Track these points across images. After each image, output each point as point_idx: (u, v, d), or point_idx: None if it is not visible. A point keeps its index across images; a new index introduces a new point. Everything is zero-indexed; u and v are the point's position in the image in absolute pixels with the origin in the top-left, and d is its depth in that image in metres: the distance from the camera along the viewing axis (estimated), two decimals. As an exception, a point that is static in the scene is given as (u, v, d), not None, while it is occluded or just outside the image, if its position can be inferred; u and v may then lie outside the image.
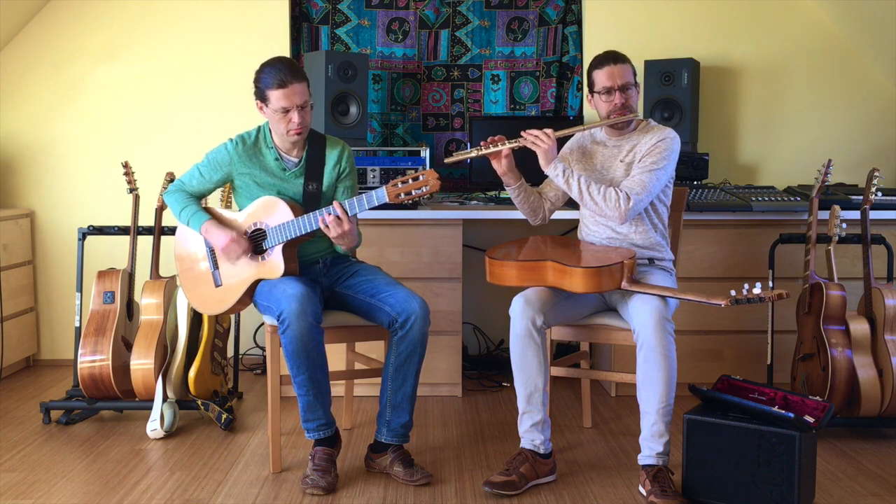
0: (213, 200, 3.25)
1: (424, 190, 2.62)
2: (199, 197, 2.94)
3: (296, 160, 2.87)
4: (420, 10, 4.25)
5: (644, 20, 4.21)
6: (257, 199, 2.82)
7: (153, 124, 4.23)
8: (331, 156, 2.90)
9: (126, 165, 3.59)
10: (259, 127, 2.90)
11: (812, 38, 4.22)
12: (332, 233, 2.69)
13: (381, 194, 2.65)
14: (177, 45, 4.21)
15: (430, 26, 4.27)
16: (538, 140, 2.77)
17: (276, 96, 2.72)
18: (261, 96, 2.77)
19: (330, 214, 2.68)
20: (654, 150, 2.81)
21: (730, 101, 4.26)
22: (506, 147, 2.82)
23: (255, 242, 2.82)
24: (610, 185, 2.81)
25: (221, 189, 3.44)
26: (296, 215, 2.74)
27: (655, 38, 4.19)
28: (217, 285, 2.87)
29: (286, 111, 2.73)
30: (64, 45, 4.20)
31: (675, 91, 3.92)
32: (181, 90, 4.23)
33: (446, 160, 2.93)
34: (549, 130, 2.78)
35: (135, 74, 4.22)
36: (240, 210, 2.89)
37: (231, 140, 2.86)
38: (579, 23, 4.23)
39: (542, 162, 2.79)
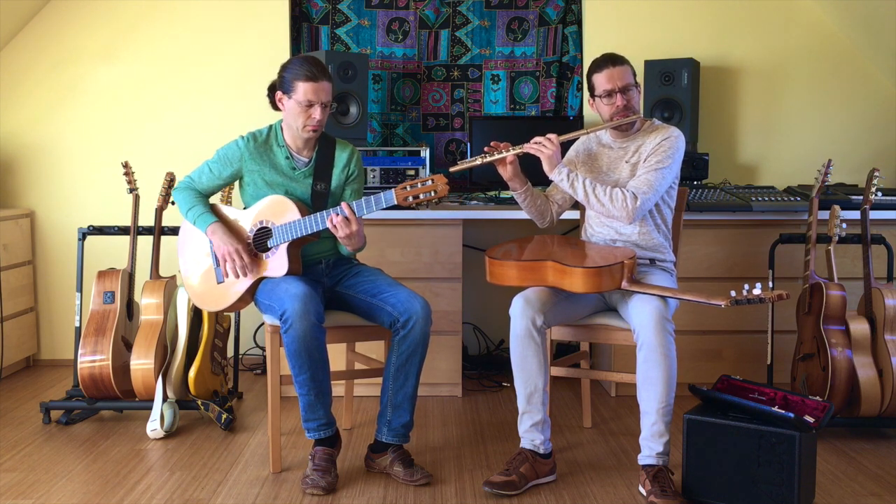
0: (213, 198, 3.24)
1: (433, 194, 2.65)
2: (209, 194, 2.93)
3: (306, 160, 2.88)
4: (420, 10, 4.25)
5: (644, 20, 4.21)
6: (264, 198, 2.83)
7: (153, 124, 4.23)
8: (340, 158, 2.92)
9: (126, 165, 3.59)
10: (270, 126, 2.91)
11: (812, 38, 4.22)
12: (340, 233, 2.71)
13: (390, 196, 2.67)
14: (177, 45, 4.21)
15: (430, 26, 4.27)
16: (542, 146, 2.76)
17: (303, 88, 2.73)
18: (285, 87, 2.77)
19: (338, 215, 2.70)
20: (659, 149, 2.81)
21: (730, 101, 4.26)
22: (510, 154, 2.81)
23: (260, 241, 2.82)
24: (615, 186, 2.81)
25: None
26: (302, 216, 2.75)
27: (656, 38, 4.19)
28: (219, 282, 2.88)
29: (310, 105, 2.75)
30: (64, 45, 4.20)
31: (675, 91, 3.92)
32: (181, 90, 4.23)
33: (451, 169, 2.92)
34: (552, 136, 2.77)
35: (135, 74, 4.22)
36: (245, 208, 2.89)
37: (242, 137, 2.86)
38: (579, 23, 4.23)
39: (546, 167, 2.78)
